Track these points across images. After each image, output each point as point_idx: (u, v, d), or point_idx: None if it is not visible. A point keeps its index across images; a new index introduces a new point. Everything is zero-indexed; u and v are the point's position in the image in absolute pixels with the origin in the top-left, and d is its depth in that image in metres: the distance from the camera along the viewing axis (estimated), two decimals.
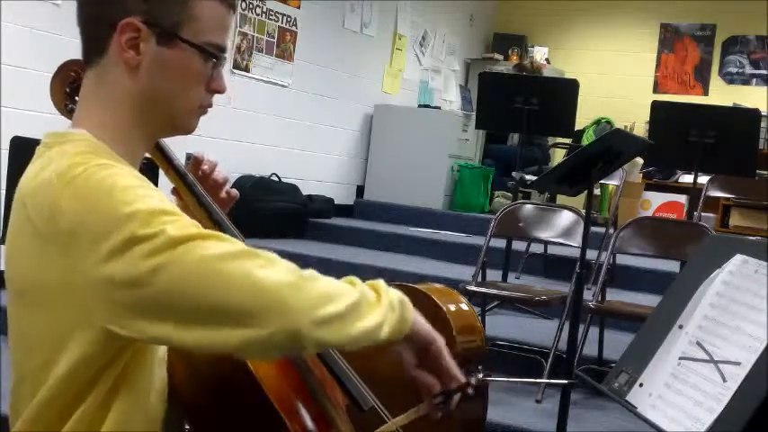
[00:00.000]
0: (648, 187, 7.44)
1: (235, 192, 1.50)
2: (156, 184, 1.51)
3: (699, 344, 1.43)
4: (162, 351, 1.21)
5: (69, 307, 1.07)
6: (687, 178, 7.07)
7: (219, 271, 1.01)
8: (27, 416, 1.14)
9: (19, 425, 1.15)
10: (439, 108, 7.37)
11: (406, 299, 1.17)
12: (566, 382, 2.82)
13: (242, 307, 1.01)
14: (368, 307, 1.10)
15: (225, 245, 1.05)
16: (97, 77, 1.21)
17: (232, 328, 1.01)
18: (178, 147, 1.38)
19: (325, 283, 1.08)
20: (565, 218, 3.87)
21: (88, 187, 1.06)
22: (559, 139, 6.58)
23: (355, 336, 1.07)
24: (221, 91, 1.26)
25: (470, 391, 1.23)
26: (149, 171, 1.28)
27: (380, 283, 1.16)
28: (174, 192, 1.42)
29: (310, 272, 1.08)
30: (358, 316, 1.08)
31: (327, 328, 1.04)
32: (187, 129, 1.26)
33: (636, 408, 1.44)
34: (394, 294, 1.15)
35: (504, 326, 4.15)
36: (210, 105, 1.27)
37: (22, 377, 1.16)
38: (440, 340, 1.21)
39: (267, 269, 1.03)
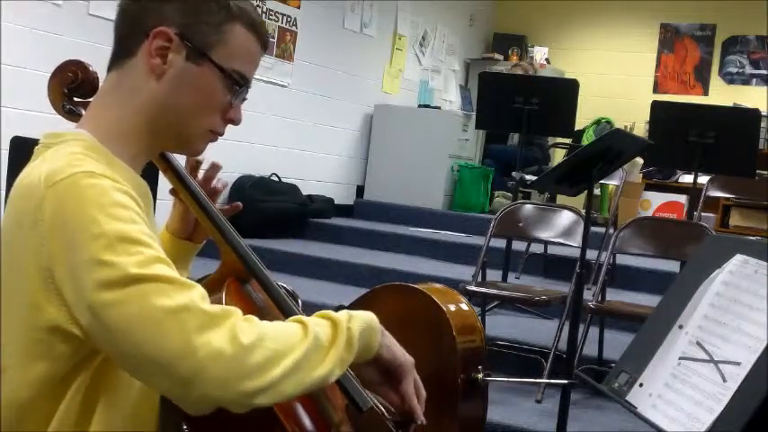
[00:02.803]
0: (648, 187, 7.43)
1: (238, 204, 1.50)
2: (155, 184, 1.51)
3: (699, 344, 1.42)
4: None
5: (38, 302, 1.08)
6: (687, 178, 7.07)
7: (161, 325, 1.03)
8: (7, 415, 1.14)
9: (3, 425, 1.15)
10: (439, 108, 7.37)
11: (374, 323, 1.19)
12: (566, 382, 2.82)
13: (173, 368, 1.02)
14: (318, 356, 1.10)
15: (174, 294, 1.04)
16: (118, 79, 1.23)
17: (165, 379, 1.04)
18: None
19: (267, 342, 1.07)
20: (565, 218, 3.87)
21: (68, 195, 1.07)
22: (559, 139, 6.58)
23: (298, 391, 1.09)
24: (236, 122, 1.28)
25: (421, 421, 1.26)
26: (148, 171, 1.28)
27: (341, 317, 1.16)
28: (173, 192, 1.42)
29: (257, 332, 1.07)
30: (304, 369, 1.08)
31: (260, 395, 1.05)
32: (193, 150, 1.29)
33: (636, 408, 1.44)
34: (357, 325, 1.16)
35: (504, 326, 4.15)
36: (222, 134, 1.28)
37: (4, 374, 1.16)
38: (406, 364, 1.23)
39: (209, 333, 1.03)
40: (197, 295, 1.07)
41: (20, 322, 1.11)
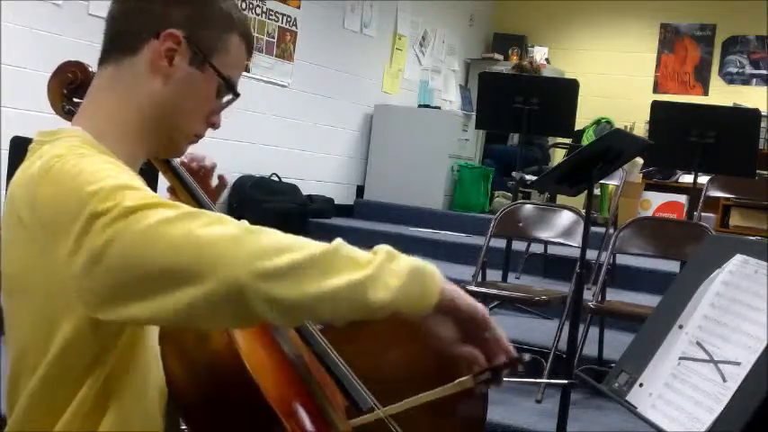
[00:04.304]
0: (648, 187, 7.43)
1: (226, 179, 1.51)
2: (155, 183, 1.51)
3: (699, 344, 1.42)
4: (158, 347, 1.20)
5: (53, 297, 1.07)
6: (687, 178, 7.07)
7: (162, 235, 0.99)
8: (20, 412, 1.14)
9: (12, 422, 1.15)
10: (439, 108, 7.37)
11: (435, 270, 1.07)
12: (566, 382, 2.82)
13: (184, 266, 0.98)
14: (344, 263, 1.00)
15: (171, 210, 1.01)
16: (117, 75, 1.22)
17: (180, 288, 0.98)
18: None
19: (282, 236, 1.01)
20: (565, 218, 3.87)
21: (60, 174, 1.07)
22: (559, 139, 6.58)
23: (320, 294, 0.97)
24: (217, 126, 1.29)
25: (521, 368, 1.14)
26: (148, 171, 1.28)
27: (386, 247, 1.05)
28: (170, 190, 1.42)
29: (268, 229, 1.02)
30: (325, 270, 0.98)
31: (276, 281, 0.96)
32: (178, 152, 1.30)
33: (636, 408, 1.44)
34: (407, 262, 1.04)
35: (505, 326, 4.10)
36: (203, 136, 1.29)
37: (16, 373, 1.16)
38: (482, 311, 1.11)
39: (211, 226, 1.00)
40: (199, 210, 1.04)
41: (33, 319, 1.11)
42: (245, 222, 1.03)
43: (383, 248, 1.04)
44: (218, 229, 0.99)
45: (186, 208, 1.03)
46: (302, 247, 0.99)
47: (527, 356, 1.18)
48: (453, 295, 1.08)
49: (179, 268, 0.98)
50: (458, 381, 1.13)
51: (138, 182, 1.09)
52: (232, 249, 0.97)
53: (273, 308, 0.98)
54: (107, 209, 1.01)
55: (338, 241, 1.02)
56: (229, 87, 1.25)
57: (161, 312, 1.00)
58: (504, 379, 1.19)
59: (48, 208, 1.06)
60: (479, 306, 1.11)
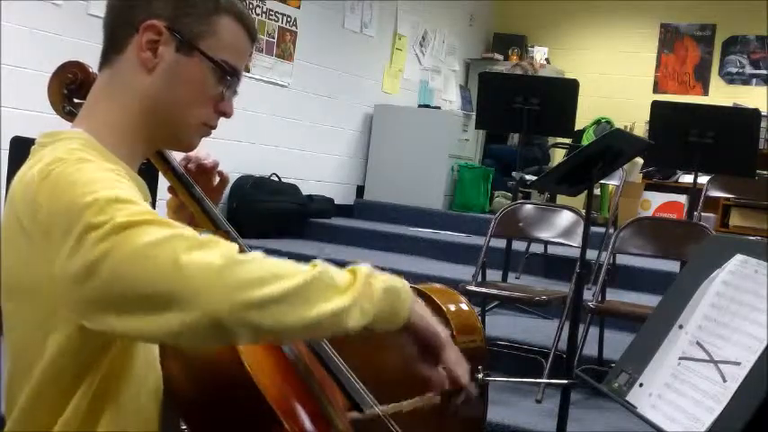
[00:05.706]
0: (648, 187, 7.44)
1: (226, 174, 1.50)
2: (155, 183, 1.51)
3: (699, 344, 1.42)
4: (155, 351, 1.21)
5: (47, 301, 1.07)
6: (687, 178, 7.07)
7: (149, 257, 0.99)
8: (17, 414, 1.14)
9: (11, 423, 1.15)
10: (439, 108, 7.37)
11: (402, 287, 1.12)
12: (566, 382, 2.82)
13: (167, 292, 0.98)
14: (325, 291, 1.03)
15: (160, 230, 1.01)
16: (111, 76, 1.23)
17: (165, 313, 0.98)
18: None
19: (268, 265, 1.02)
20: (565, 218, 3.87)
21: (59, 181, 1.06)
22: (559, 139, 6.58)
23: (302, 323, 1.01)
24: (228, 114, 1.28)
25: (474, 393, 1.22)
26: (148, 171, 1.28)
27: (364, 269, 1.10)
28: (170, 190, 1.42)
29: (253, 255, 1.03)
30: (307, 300, 1.01)
31: (258, 312, 0.98)
32: (188, 145, 1.28)
33: (636, 408, 1.44)
34: (382, 283, 1.09)
35: (504, 326, 4.15)
36: (215, 126, 1.28)
37: (13, 374, 1.16)
38: (442, 336, 1.18)
39: (196, 252, 0.99)
40: (189, 229, 1.04)
41: (31, 322, 1.11)
42: (233, 247, 1.03)
43: (362, 271, 1.09)
44: (202, 255, 0.99)
45: (176, 227, 1.03)
46: (286, 276, 1.01)
47: (476, 384, 1.21)
48: (417, 317, 1.15)
49: (163, 293, 0.98)
50: (420, 398, 1.23)
51: (134, 192, 1.08)
52: (213, 281, 0.98)
53: (257, 335, 1.01)
54: (100, 223, 1.01)
55: (320, 266, 1.05)
56: (225, 70, 1.23)
57: (148, 331, 1.02)
58: (505, 379, 1.24)
59: (45, 215, 1.06)
60: (439, 331, 1.18)
